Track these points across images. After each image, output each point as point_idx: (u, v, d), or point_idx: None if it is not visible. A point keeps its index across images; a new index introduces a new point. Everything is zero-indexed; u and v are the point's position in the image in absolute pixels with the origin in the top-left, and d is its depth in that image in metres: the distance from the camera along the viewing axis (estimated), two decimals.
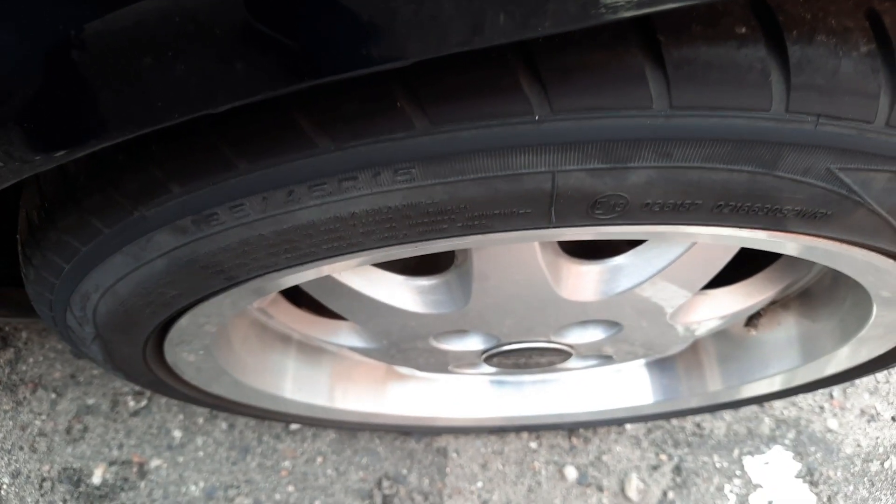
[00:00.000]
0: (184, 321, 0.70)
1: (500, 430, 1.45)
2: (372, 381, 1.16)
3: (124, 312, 0.65)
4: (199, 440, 1.50)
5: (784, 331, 1.04)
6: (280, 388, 1.02)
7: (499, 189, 0.47)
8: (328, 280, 0.76)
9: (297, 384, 1.04)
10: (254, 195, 0.48)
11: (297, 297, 1.00)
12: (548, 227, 0.52)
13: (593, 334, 0.93)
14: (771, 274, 0.92)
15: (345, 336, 0.99)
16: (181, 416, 1.53)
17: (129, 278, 0.59)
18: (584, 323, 0.92)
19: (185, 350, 0.81)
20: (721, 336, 1.11)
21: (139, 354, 0.77)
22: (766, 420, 1.60)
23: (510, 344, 0.93)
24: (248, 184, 0.48)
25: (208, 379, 0.93)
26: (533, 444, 1.51)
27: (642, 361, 1.17)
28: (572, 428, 1.50)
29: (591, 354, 1.01)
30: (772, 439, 1.57)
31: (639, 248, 0.76)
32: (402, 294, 0.82)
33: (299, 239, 0.52)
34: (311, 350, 1.08)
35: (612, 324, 0.90)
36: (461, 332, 0.93)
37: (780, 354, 1.01)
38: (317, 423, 1.23)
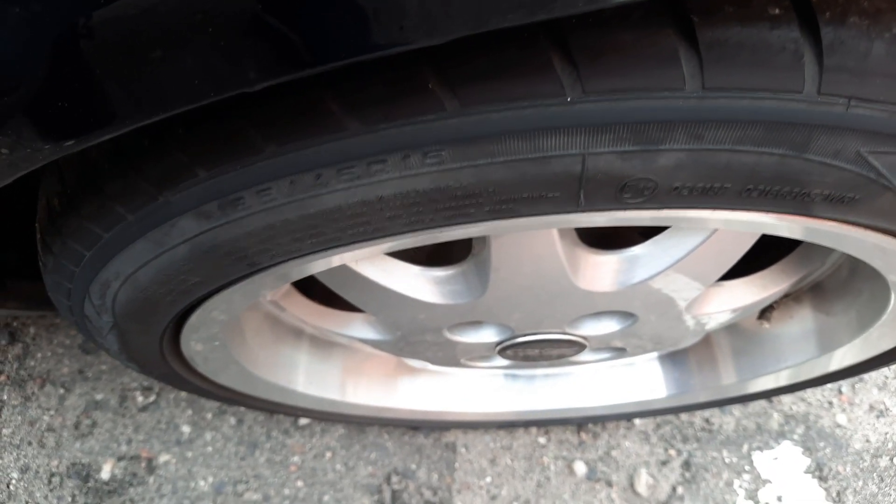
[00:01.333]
0: (202, 311, 0.70)
1: (510, 426, 1.45)
2: (383, 375, 1.16)
3: (144, 300, 0.65)
4: (208, 435, 1.50)
5: (798, 324, 1.04)
6: (292, 382, 1.02)
7: (528, 172, 0.47)
8: (345, 271, 0.76)
9: (310, 378, 1.04)
10: (281, 179, 0.48)
11: (310, 289, 1.00)
12: (575, 212, 0.52)
13: (607, 326, 0.93)
14: (785, 266, 0.92)
15: (358, 328, 0.99)
16: (189, 412, 1.53)
17: (150, 265, 0.59)
18: (599, 314, 0.91)
19: (201, 341, 0.80)
20: (734, 329, 1.11)
21: (156, 345, 0.76)
22: (775, 415, 1.60)
23: (525, 335, 0.93)
24: (275, 167, 0.48)
25: (222, 371, 0.93)
26: (542, 440, 1.51)
27: (655, 355, 1.17)
28: (582, 423, 1.50)
29: (605, 347, 1.01)
30: (781, 435, 1.57)
31: (657, 237, 0.76)
32: (419, 284, 0.81)
33: (325, 224, 0.52)
34: (324, 344, 1.08)
35: (626, 315, 0.90)
36: (475, 323, 0.93)
37: (794, 347, 1.01)
38: (328, 417, 1.23)
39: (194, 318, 0.72)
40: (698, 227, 0.69)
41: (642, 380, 1.17)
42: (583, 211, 0.51)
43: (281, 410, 1.17)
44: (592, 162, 0.46)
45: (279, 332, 1.01)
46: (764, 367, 1.06)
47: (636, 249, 0.77)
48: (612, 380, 1.22)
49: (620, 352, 1.05)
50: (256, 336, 0.96)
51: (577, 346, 0.97)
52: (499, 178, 0.48)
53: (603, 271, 0.79)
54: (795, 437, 1.56)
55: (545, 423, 1.46)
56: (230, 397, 1.07)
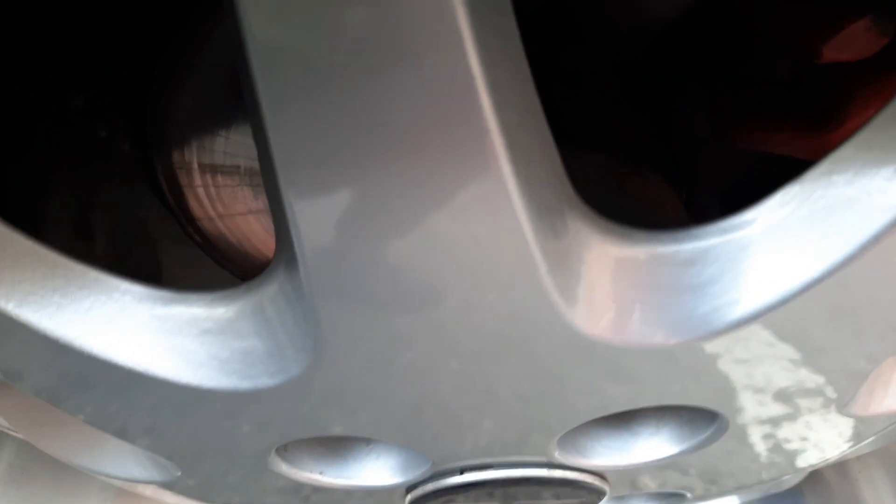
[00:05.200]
0: None
1: None
2: None
3: None
4: None
5: None
6: None
7: None
8: None
9: None
10: None
11: None
12: None
13: (653, 446, 0.40)
14: None
15: (111, 455, 0.46)
16: None
17: None
18: (632, 418, 0.39)
19: None
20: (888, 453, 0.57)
21: None
22: None
23: (457, 473, 0.40)
24: None
25: None
26: None
27: (736, 501, 0.62)
28: None
29: (643, 492, 0.47)
30: None
31: (800, 180, 0.26)
32: (149, 336, 0.30)
33: None
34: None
35: (698, 418, 0.38)
36: (340, 442, 0.41)
37: None
38: None
39: None
40: None
41: None
42: None
43: None
44: None
45: None
46: None
47: (744, 221, 0.27)
48: None
49: (674, 501, 0.51)
50: None
51: (585, 494, 0.43)
52: None
53: (649, 290, 0.28)
54: None
55: None
56: None
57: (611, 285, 0.28)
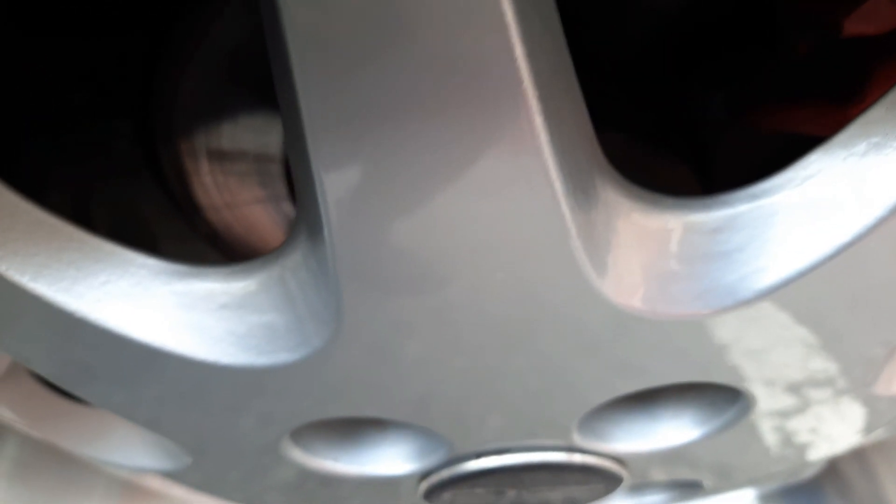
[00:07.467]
0: None
1: None
2: None
3: None
4: None
5: None
6: None
7: None
8: None
9: None
10: None
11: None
12: None
13: (673, 429, 0.40)
14: None
15: (119, 443, 0.45)
16: None
17: None
18: (653, 400, 0.39)
19: None
20: None
21: None
22: None
23: (474, 458, 0.39)
24: None
25: None
26: None
27: (753, 494, 0.61)
28: None
29: (658, 481, 0.47)
30: None
31: (830, 143, 0.26)
32: (165, 311, 0.30)
33: None
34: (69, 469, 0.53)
35: (722, 398, 0.37)
36: (349, 425, 0.40)
37: None
38: None
39: None
40: None
41: None
42: None
43: None
44: None
45: None
46: None
47: (780, 182, 0.27)
48: None
49: (688, 490, 0.50)
50: None
51: (601, 481, 0.42)
52: None
53: (681, 258, 0.28)
54: None
55: None
56: None
57: (642, 253, 0.27)
